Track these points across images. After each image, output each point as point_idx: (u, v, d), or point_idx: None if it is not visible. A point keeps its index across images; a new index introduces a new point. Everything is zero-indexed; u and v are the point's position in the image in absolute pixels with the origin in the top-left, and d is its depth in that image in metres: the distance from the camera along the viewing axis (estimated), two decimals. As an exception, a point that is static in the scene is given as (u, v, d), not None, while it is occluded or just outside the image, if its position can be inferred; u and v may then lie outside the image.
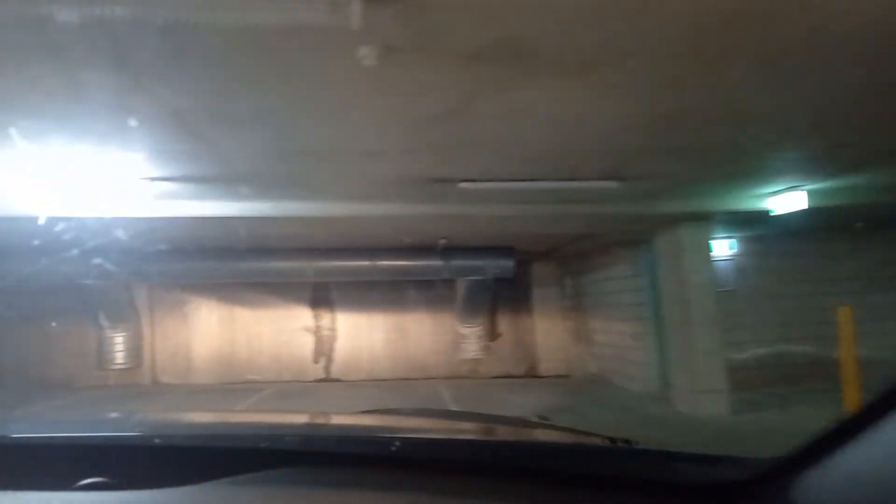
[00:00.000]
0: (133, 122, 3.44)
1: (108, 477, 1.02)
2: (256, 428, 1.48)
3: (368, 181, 5.05)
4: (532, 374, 10.87)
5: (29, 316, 9.89)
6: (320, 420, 1.74)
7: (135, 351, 10.06)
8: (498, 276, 9.60)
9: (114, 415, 2.62)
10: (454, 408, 7.30)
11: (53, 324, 10.02)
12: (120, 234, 6.02)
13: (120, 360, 9.86)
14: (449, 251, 8.99)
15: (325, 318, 10.89)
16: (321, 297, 10.84)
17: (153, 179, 4.70)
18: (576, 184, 4.94)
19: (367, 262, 9.25)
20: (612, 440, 1.30)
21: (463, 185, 4.94)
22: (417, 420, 1.85)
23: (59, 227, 5.58)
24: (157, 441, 1.16)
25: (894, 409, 0.70)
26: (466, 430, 1.63)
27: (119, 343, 9.88)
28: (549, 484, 1.02)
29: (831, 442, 0.76)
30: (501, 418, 1.99)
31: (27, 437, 1.23)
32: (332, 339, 10.90)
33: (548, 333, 10.97)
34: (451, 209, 5.99)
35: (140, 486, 0.99)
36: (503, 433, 1.64)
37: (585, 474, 1.05)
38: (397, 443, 1.15)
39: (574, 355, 10.79)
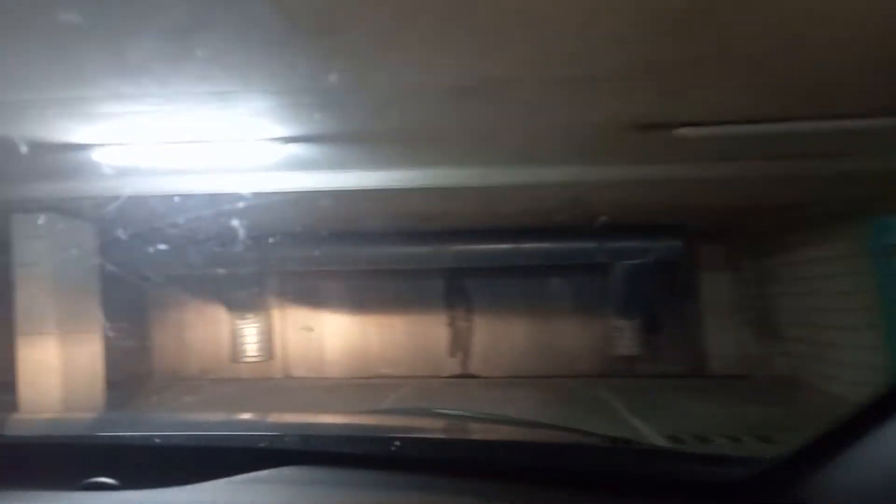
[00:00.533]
0: (262, 45, 2.46)
1: (109, 477, 1.02)
2: (256, 428, 1.49)
3: (551, 132, 3.81)
4: (700, 372, 9.27)
5: (165, 305, 9.85)
6: (320, 420, 1.74)
7: (267, 343, 9.64)
8: (662, 258, 8.14)
9: (115, 414, 2.47)
10: (631, 419, 5.98)
11: (188, 314, 9.94)
12: (245, 215, 5.28)
13: (252, 353, 9.47)
14: (605, 230, 7.67)
15: (462, 308, 9.88)
16: (457, 284, 9.84)
17: (284, 140, 3.78)
18: (849, 123, 3.43)
19: (508, 245, 8.18)
20: (613, 440, 1.28)
21: (681, 130, 3.58)
22: (417, 420, 1.83)
23: (183, 206, 4.89)
24: (157, 441, 1.16)
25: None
26: (466, 430, 1.61)
27: (251, 335, 9.50)
28: (549, 484, 1.01)
29: (833, 442, 0.75)
30: (502, 418, 1.88)
31: (30, 437, 1.28)
32: (470, 330, 9.87)
33: (719, 326, 9.31)
34: (639, 173, 4.63)
35: (140, 486, 0.98)
36: (503, 433, 1.60)
37: (585, 474, 1.03)
38: (397, 443, 1.14)
39: (754, 352, 9.08)
